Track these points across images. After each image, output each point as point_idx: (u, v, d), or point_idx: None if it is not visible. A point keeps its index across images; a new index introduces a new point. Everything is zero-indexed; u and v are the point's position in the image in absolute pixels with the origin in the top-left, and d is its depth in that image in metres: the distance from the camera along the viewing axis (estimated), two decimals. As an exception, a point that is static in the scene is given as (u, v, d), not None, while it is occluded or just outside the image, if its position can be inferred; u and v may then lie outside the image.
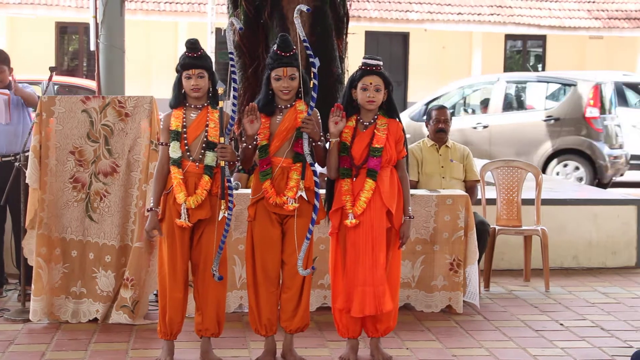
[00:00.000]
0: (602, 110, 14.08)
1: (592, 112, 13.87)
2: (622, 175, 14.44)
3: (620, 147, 14.25)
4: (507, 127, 14.55)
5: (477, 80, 16.63)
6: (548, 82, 15.31)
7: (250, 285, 5.51)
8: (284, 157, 5.39)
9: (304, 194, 5.37)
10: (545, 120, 14.21)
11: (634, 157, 15.66)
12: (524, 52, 27.36)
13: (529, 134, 14.21)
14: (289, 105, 5.43)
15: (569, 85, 14.45)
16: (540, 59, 27.16)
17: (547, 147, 13.96)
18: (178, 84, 5.44)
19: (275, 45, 5.42)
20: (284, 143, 5.39)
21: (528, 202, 7.97)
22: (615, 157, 13.90)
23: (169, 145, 5.40)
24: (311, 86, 5.34)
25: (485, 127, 14.47)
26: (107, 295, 6.37)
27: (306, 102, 5.41)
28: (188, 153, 5.39)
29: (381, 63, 5.52)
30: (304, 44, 5.33)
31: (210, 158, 5.36)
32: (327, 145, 5.46)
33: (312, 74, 5.31)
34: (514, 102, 15.30)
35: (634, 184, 15.70)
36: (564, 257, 8.54)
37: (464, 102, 15.86)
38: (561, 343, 6.11)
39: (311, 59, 5.29)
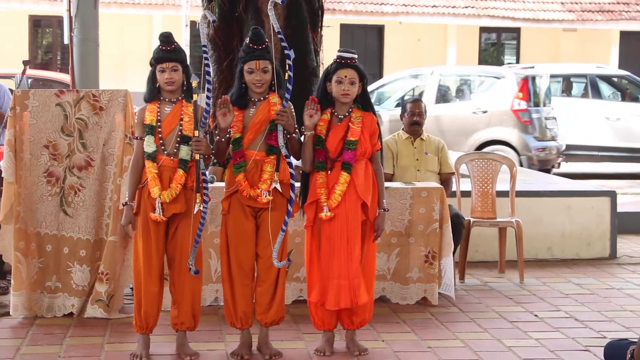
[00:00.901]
0: (536, 103, 14.23)
1: (519, 104, 14.04)
2: (554, 166, 14.54)
3: (553, 139, 14.36)
4: (439, 118, 14.69)
5: (412, 72, 16.72)
6: (479, 75, 15.42)
7: (225, 278, 5.51)
8: (257, 149, 5.39)
9: (278, 187, 5.37)
10: (474, 113, 14.35)
11: (606, 148, 15.84)
12: (498, 45, 27.47)
13: (459, 126, 14.39)
14: (262, 98, 5.43)
15: (499, 78, 14.61)
16: (515, 51, 27.27)
17: (475, 139, 14.09)
18: (152, 78, 5.42)
19: (248, 39, 5.42)
20: (257, 136, 5.39)
21: (502, 194, 8.00)
22: (543, 149, 14.03)
23: (144, 139, 5.39)
24: (286, 78, 5.34)
25: None
26: (82, 289, 6.35)
27: (280, 94, 5.41)
28: (163, 147, 5.37)
29: (356, 56, 5.52)
30: (279, 36, 5.33)
31: (185, 152, 5.36)
32: (302, 138, 5.46)
33: (287, 66, 5.31)
34: (447, 95, 15.40)
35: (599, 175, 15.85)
36: (539, 248, 8.59)
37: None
38: (535, 334, 6.15)
39: (286, 51, 5.29)
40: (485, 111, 14.30)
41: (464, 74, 15.90)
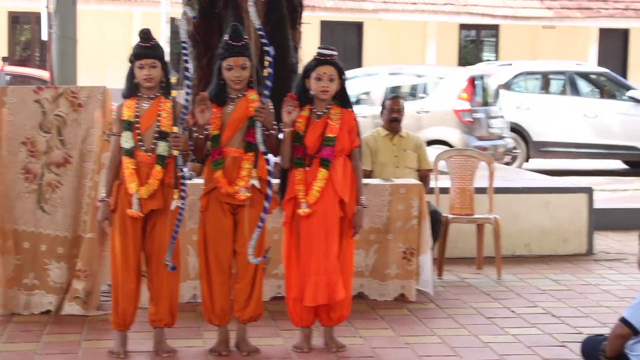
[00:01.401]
0: (484, 102, 14.27)
1: (461, 105, 14.10)
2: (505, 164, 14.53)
3: (499, 138, 14.39)
4: None
5: (360, 72, 16.69)
6: (427, 75, 15.39)
7: (203, 275, 5.51)
8: (235, 146, 5.39)
9: (256, 183, 5.38)
10: (418, 112, 14.39)
11: (584, 145, 15.91)
12: (477, 42, 27.53)
13: (404, 125, 14.33)
14: (240, 95, 5.43)
15: (445, 78, 14.65)
16: (494, 48, 27.33)
17: None
18: (131, 74, 5.42)
19: (227, 35, 5.42)
20: (235, 133, 5.40)
21: (481, 190, 8.03)
22: (485, 149, 14.06)
23: (121, 135, 5.38)
24: (266, 75, 5.34)
25: (364, 117, 14.52)
26: (59, 286, 6.34)
27: (259, 91, 5.41)
28: (140, 143, 5.37)
29: (335, 53, 5.54)
30: (259, 32, 5.34)
31: (162, 148, 5.35)
32: (281, 135, 5.47)
33: (267, 63, 5.31)
34: (396, 94, 15.32)
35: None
36: (516, 245, 8.62)
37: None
38: (512, 330, 6.18)
39: (266, 48, 5.30)
40: (428, 111, 14.34)
41: (412, 73, 15.86)
